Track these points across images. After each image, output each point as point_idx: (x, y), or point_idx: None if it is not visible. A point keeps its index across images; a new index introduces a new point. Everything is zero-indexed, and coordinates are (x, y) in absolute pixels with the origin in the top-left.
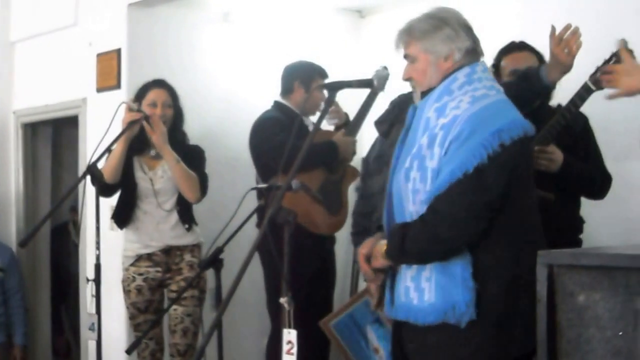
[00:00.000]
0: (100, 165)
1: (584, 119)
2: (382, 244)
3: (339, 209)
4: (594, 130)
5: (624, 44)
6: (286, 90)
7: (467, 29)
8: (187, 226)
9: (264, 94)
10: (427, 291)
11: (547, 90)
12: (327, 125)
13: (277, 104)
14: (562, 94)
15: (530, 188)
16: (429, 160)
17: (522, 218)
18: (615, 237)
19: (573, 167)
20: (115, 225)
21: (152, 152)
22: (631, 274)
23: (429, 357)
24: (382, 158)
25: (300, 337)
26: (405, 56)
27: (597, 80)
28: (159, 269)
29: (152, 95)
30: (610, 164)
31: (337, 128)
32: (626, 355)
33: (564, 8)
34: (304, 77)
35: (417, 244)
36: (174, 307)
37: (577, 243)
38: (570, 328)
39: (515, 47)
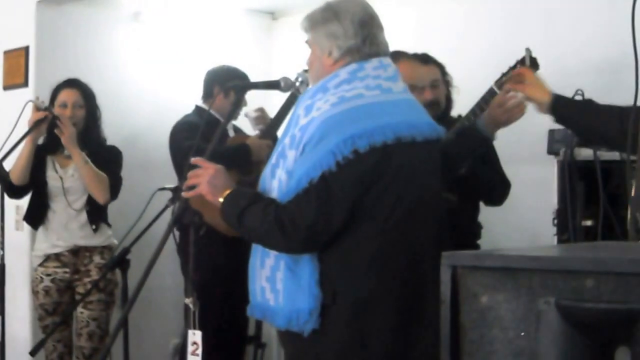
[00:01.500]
0: (7, 165)
1: None
2: (226, 188)
3: None
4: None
5: (528, 52)
6: (206, 95)
7: (361, 26)
8: (94, 227)
9: (175, 95)
10: (281, 293)
11: (488, 141)
12: (253, 131)
13: (197, 108)
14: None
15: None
16: (288, 161)
17: (385, 231)
18: (512, 243)
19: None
20: (26, 226)
21: (66, 152)
22: (534, 276)
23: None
24: None
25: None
26: (306, 43)
27: (502, 85)
28: (67, 269)
29: (63, 95)
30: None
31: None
32: (528, 356)
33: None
34: (223, 82)
35: (253, 229)
36: (80, 310)
37: (475, 248)
38: (474, 329)
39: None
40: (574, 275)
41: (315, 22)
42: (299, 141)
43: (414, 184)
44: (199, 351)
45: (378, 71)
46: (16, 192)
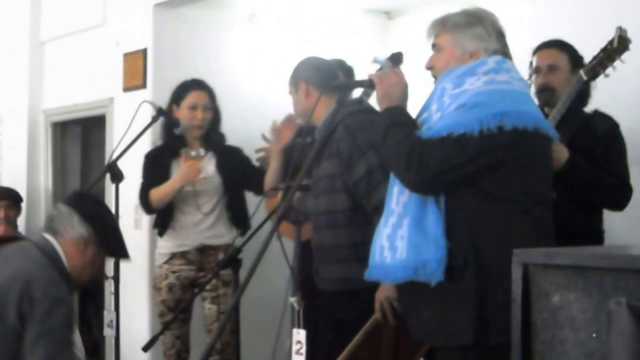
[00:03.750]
0: (121, 163)
1: (611, 124)
2: (395, 102)
3: None
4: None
5: (619, 32)
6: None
7: (499, 34)
8: (241, 230)
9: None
10: (399, 249)
11: None
12: None
13: None
14: None
15: (540, 186)
16: (432, 123)
17: (512, 208)
18: None
19: (579, 167)
20: (145, 224)
21: (193, 153)
22: (605, 275)
23: (412, 313)
24: None
25: None
26: (433, 46)
27: (591, 70)
28: (192, 267)
29: (193, 97)
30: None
31: None
32: (600, 358)
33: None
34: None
35: (390, 148)
36: (209, 306)
37: None
38: (545, 329)
39: (543, 45)
40: None
41: (458, 25)
42: (447, 106)
43: (535, 175)
44: (303, 350)
45: (515, 70)
46: (152, 212)
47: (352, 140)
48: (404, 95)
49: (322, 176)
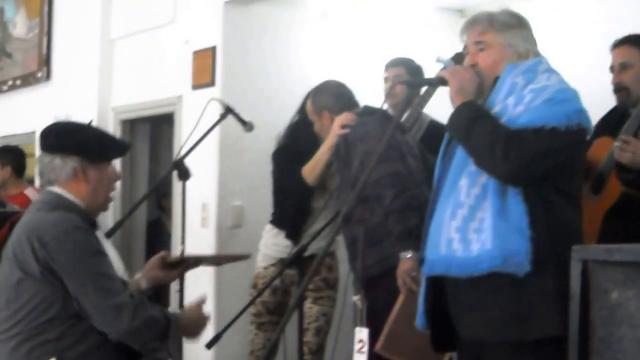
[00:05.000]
0: (188, 161)
1: None
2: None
3: None
4: None
5: None
6: None
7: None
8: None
9: (362, 93)
10: (474, 242)
11: None
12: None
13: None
14: None
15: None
16: (509, 116)
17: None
18: None
19: None
20: (211, 223)
21: None
22: None
23: (475, 309)
24: None
25: None
26: (478, 42)
27: None
28: (295, 272)
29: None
30: None
31: None
32: None
33: None
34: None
35: (479, 139)
36: (309, 305)
37: None
38: (603, 326)
39: (616, 42)
40: None
41: (508, 24)
42: (531, 100)
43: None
44: (365, 349)
45: None
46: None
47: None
48: (478, 91)
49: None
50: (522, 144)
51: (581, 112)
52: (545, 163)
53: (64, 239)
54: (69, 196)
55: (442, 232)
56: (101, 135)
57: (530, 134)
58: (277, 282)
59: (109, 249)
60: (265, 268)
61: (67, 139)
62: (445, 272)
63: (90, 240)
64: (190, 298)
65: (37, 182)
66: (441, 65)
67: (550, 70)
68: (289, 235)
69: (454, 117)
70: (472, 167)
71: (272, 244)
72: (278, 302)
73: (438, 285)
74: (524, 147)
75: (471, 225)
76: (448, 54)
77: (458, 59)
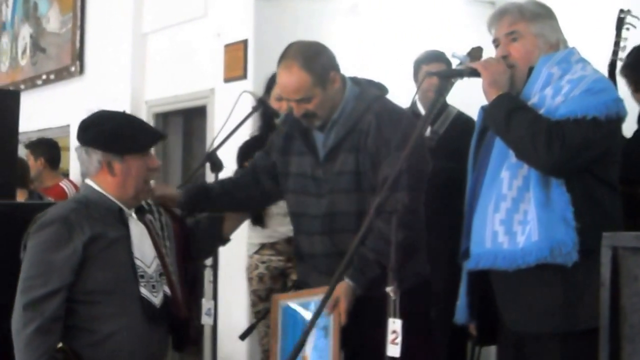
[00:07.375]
0: (221, 153)
1: None
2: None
3: None
4: None
5: None
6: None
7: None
8: None
9: (392, 87)
10: (520, 234)
11: None
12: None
13: None
14: None
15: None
16: (547, 106)
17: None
18: None
19: None
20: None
21: None
22: None
23: (523, 302)
24: None
25: None
26: (510, 33)
27: None
28: (281, 257)
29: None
30: None
31: None
32: None
33: None
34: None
35: (519, 130)
36: None
37: None
38: (634, 313)
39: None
40: None
41: (538, 14)
42: (569, 90)
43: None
44: (399, 340)
45: None
46: None
47: (379, 132)
48: (509, 83)
49: (340, 171)
50: (565, 135)
51: (619, 101)
52: (589, 153)
53: (36, 231)
54: (98, 188)
55: (487, 225)
56: (125, 128)
57: (572, 125)
58: (262, 269)
59: (143, 235)
60: (250, 257)
61: (89, 132)
62: (492, 265)
63: (55, 236)
64: (224, 288)
65: (71, 175)
66: (457, 61)
67: (584, 60)
68: (253, 222)
69: (491, 110)
70: (512, 159)
71: (251, 231)
72: (268, 289)
73: (480, 279)
74: (567, 138)
75: (515, 218)
76: (482, 46)
77: (474, 54)
